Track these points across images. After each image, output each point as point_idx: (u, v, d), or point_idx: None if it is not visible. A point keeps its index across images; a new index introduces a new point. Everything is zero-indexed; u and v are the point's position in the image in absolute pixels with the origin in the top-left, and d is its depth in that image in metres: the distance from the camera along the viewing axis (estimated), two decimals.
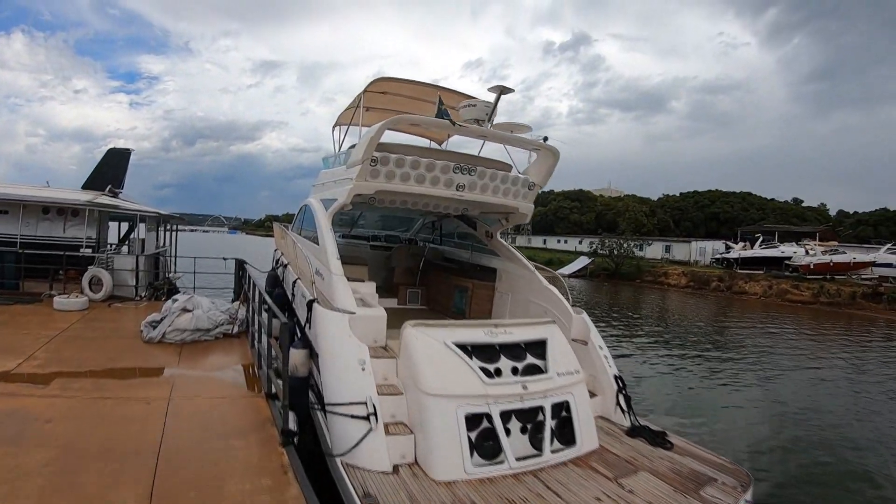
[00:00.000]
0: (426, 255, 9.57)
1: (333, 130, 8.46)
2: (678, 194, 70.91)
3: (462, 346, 4.30)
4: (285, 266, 7.98)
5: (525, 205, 6.65)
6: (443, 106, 5.15)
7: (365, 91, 6.80)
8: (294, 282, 6.61)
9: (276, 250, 10.81)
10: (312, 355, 4.80)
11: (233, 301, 10.27)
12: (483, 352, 4.39)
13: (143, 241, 14.45)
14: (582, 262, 46.17)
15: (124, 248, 15.58)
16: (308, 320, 5.05)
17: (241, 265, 12.07)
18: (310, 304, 5.00)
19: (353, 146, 6.50)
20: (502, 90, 5.34)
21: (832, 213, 68.76)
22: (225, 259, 13.04)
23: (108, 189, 15.74)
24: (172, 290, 14.34)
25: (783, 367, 14.44)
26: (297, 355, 4.35)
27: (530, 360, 4.58)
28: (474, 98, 5.54)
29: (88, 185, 16.58)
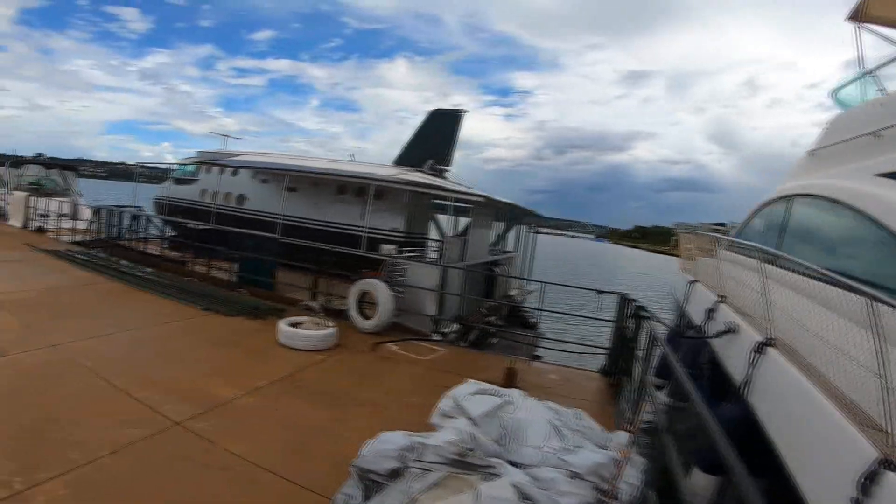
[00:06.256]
0: None
1: (856, 29, 4.92)
2: None
3: None
4: (733, 331, 3.69)
5: None
6: None
7: None
8: None
9: (691, 283, 5.85)
10: None
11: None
12: None
13: (466, 239, 9.88)
14: None
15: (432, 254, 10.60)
16: None
17: (635, 311, 6.09)
18: None
19: None
20: None
21: None
22: (600, 293, 7.55)
23: (428, 165, 11.59)
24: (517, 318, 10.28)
25: None
26: None
27: None
28: None
29: (403, 160, 12.29)
